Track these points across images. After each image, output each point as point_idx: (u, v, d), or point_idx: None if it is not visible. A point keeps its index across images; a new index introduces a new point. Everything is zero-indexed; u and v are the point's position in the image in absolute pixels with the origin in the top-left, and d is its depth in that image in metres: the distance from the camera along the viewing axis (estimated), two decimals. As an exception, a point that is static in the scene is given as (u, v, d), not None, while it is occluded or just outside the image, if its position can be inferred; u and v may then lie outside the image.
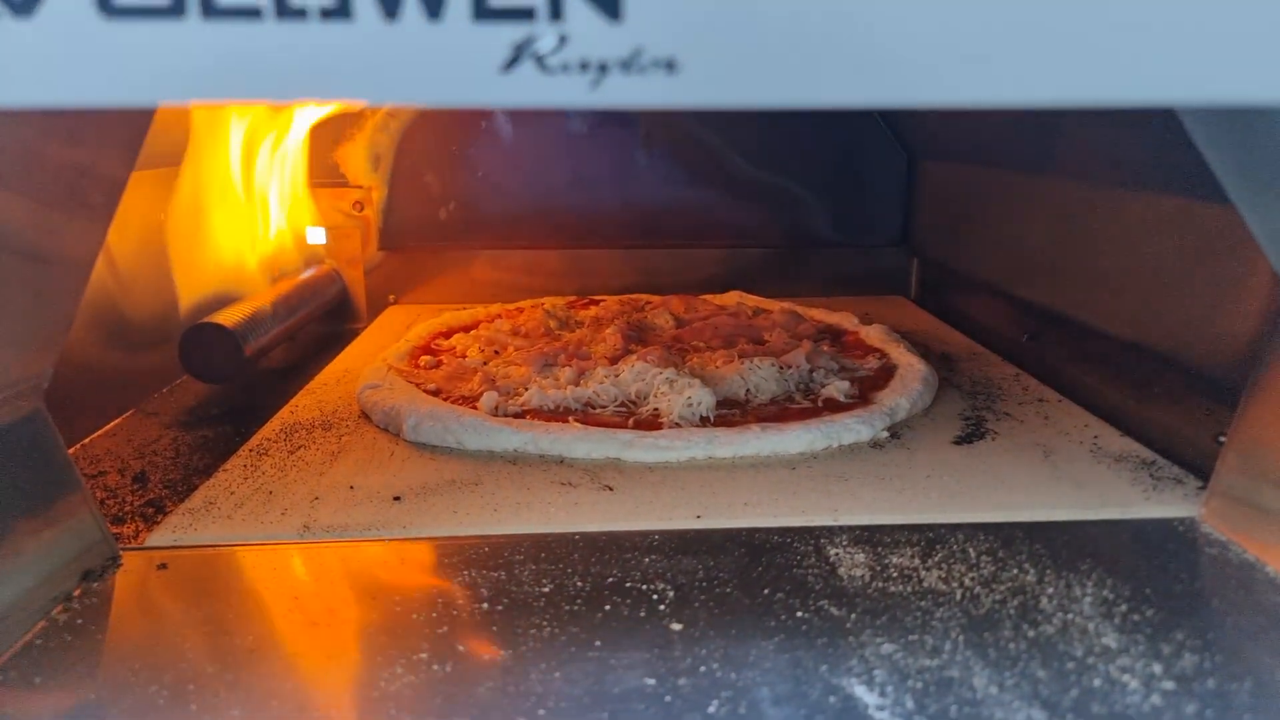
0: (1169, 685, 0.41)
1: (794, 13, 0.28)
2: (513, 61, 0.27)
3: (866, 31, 0.28)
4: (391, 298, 1.34)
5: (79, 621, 0.47)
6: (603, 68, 0.28)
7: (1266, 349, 0.55)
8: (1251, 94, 0.28)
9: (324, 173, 1.26)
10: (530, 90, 0.28)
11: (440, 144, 1.31)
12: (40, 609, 0.48)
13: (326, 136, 1.24)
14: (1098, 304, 0.85)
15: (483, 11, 0.27)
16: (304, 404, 0.85)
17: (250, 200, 1.10)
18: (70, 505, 0.53)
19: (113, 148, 0.48)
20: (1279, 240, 0.44)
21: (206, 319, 0.91)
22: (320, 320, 1.23)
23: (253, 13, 0.27)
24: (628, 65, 0.28)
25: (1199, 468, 0.65)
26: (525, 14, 0.27)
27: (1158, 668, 0.42)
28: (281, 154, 1.13)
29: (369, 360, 0.95)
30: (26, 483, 0.50)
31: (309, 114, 1.16)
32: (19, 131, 0.39)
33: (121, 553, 0.55)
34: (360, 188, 1.29)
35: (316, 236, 1.30)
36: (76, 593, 0.50)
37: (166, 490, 0.70)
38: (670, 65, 0.28)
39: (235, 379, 0.93)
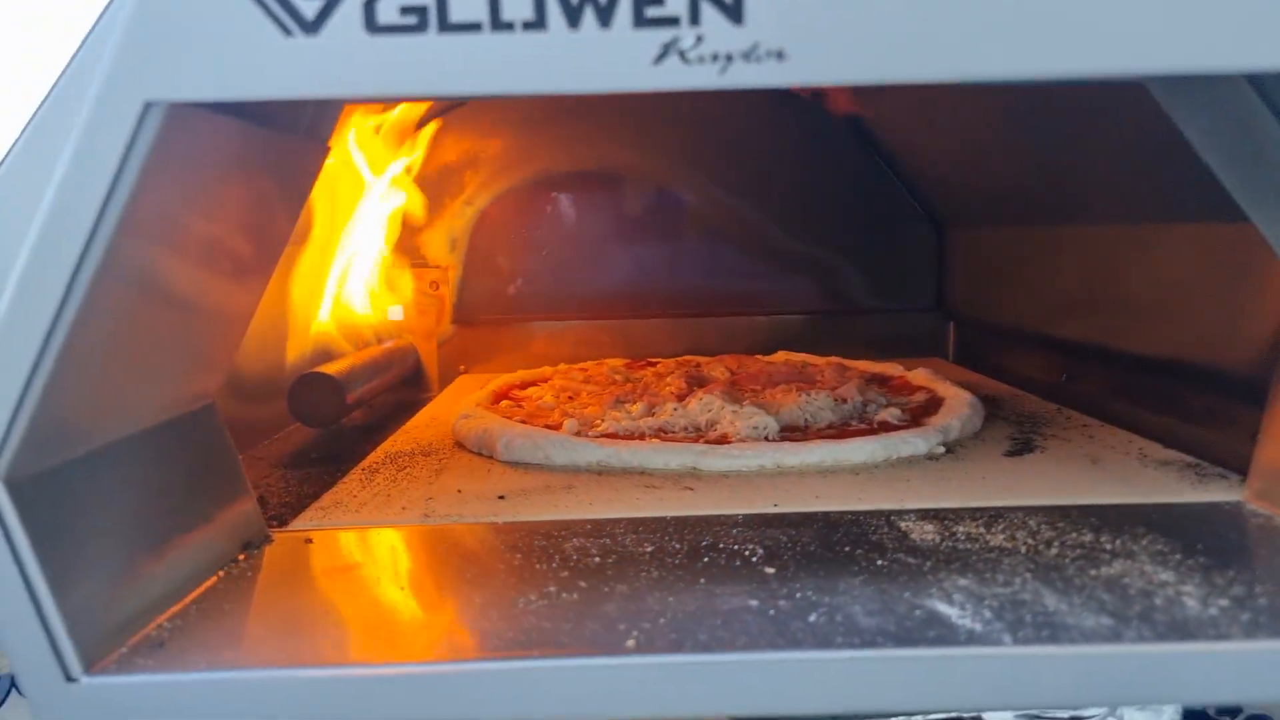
0: (1224, 603, 0.46)
1: (875, 13, 0.37)
2: (661, 56, 0.37)
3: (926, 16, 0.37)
4: (462, 368, 1.44)
5: (246, 575, 0.54)
6: (729, 58, 0.37)
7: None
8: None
9: (406, 254, 1.39)
10: (674, 77, 0.37)
11: (510, 227, 1.44)
12: (210, 570, 0.55)
13: (409, 223, 1.38)
14: (1128, 332, 0.91)
15: (641, 20, 0.37)
16: (401, 439, 0.93)
17: (346, 278, 1.22)
18: (234, 489, 0.61)
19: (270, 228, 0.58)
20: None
21: (313, 370, 1.01)
22: (395, 389, 1.32)
23: (475, 27, 0.37)
24: (747, 56, 0.37)
25: (1242, 468, 0.70)
26: (672, 21, 0.37)
27: (1213, 592, 0.47)
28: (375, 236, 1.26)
29: (454, 410, 1.04)
30: (201, 467, 0.58)
31: (397, 203, 1.29)
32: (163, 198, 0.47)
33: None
34: (438, 268, 1.42)
35: (396, 314, 1.43)
36: (240, 558, 0.57)
37: (285, 509, 0.77)
38: (780, 55, 0.37)
39: (336, 423, 1.02)
